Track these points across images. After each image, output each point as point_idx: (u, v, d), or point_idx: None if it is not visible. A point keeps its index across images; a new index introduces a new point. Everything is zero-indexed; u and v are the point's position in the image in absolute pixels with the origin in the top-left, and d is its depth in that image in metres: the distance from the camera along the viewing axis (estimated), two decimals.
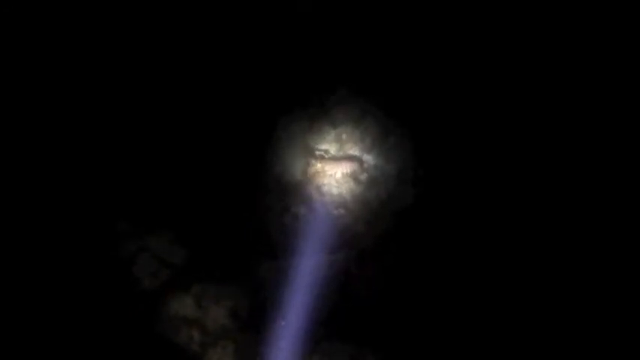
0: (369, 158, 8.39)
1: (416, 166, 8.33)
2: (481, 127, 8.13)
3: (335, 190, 8.46)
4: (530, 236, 8.02)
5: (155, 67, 8.44)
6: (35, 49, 8.08)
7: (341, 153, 8.42)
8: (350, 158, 8.35)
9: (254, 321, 8.46)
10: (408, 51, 8.10)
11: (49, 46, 8.05)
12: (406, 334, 8.13)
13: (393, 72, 8.11)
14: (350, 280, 8.54)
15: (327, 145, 8.43)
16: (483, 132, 8.14)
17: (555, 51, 7.85)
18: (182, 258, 8.73)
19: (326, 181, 8.45)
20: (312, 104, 8.25)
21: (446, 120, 8.19)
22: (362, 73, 8.13)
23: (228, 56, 8.38)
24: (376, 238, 8.47)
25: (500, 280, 8.00)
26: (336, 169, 8.37)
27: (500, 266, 8.06)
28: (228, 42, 8.39)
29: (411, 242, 8.32)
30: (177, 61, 8.46)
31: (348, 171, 8.32)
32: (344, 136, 8.33)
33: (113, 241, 8.53)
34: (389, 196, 8.36)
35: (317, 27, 8.12)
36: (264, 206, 8.54)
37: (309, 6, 7.99)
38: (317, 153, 8.45)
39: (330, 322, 8.21)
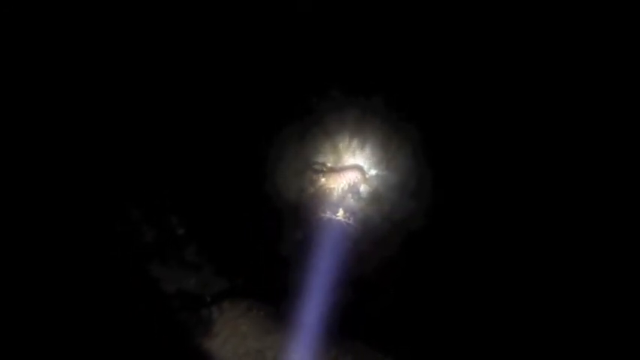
0: (369, 168, 7.52)
1: (420, 174, 7.49)
2: (492, 128, 7.27)
3: (335, 209, 7.62)
4: (544, 246, 7.25)
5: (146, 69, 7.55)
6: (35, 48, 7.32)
7: (339, 165, 7.55)
8: (350, 169, 7.48)
9: None
10: (405, 49, 7.21)
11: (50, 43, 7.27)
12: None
13: (389, 72, 7.23)
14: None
15: (324, 156, 7.51)
16: (494, 133, 7.29)
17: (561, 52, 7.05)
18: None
19: (326, 198, 7.60)
20: (303, 112, 7.34)
21: (451, 122, 7.26)
22: (354, 75, 7.24)
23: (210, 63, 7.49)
24: (381, 261, 7.66)
25: (518, 298, 7.30)
26: (336, 183, 7.50)
27: (518, 283, 7.32)
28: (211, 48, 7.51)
29: (419, 263, 7.54)
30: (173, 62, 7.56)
31: (349, 184, 7.46)
32: (341, 146, 7.45)
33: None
34: (392, 209, 7.52)
35: (305, 28, 7.27)
36: (258, 233, 7.69)
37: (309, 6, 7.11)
38: (314, 167, 7.55)
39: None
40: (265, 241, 7.78)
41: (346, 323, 7.65)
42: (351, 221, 7.54)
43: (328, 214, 7.57)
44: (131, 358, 7.35)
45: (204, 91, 7.39)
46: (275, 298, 7.82)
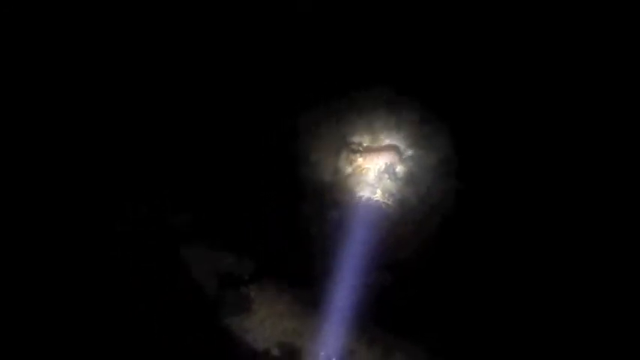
0: (406, 148, 7.47)
1: (457, 154, 7.40)
2: (527, 106, 7.12)
3: (372, 189, 7.62)
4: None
5: (173, 64, 7.78)
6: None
7: (376, 144, 7.54)
8: (387, 149, 7.46)
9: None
10: (440, 30, 7.16)
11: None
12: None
13: (422, 51, 7.18)
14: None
15: (360, 136, 7.53)
16: (530, 111, 7.13)
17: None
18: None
19: (363, 177, 7.61)
20: (337, 93, 7.38)
21: (488, 101, 7.17)
22: (387, 55, 7.23)
23: (239, 53, 7.61)
24: (417, 244, 7.59)
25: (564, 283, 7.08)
26: (373, 162, 7.50)
27: (563, 268, 7.12)
28: (240, 39, 7.68)
29: (455, 248, 7.43)
30: (194, 57, 7.75)
31: (385, 164, 7.44)
32: (377, 125, 7.43)
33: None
34: (429, 191, 7.46)
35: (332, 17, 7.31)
36: (295, 213, 7.80)
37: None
38: (350, 146, 7.57)
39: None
40: (301, 221, 7.87)
41: (380, 309, 7.66)
42: (389, 202, 7.53)
43: (365, 195, 7.58)
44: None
45: (239, 69, 7.56)
46: (311, 278, 7.89)
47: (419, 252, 7.57)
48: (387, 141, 7.45)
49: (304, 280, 7.98)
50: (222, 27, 7.48)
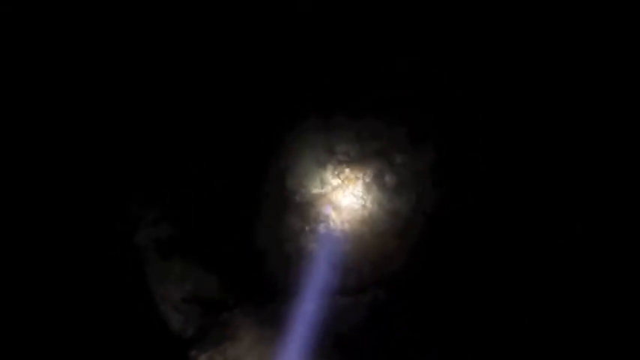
0: (396, 156, 7.07)
1: (450, 160, 7.08)
2: (525, 108, 6.91)
3: (359, 201, 7.21)
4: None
5: (156, 68, 7.31)
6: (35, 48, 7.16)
7: (363, 152, 7.11)
8: (375, 157, 7.06)
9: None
10: (429, 32, 6.89)
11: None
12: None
13: (410, 53, 6.90)
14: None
15: (347, 145, 7.13)
16: (528, 113, 6.91)
17: None
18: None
19: (350, 189, 7.20)
20: (323, 99, 6.96)
21: (482, 102, 6.94)
22: (375, 59, 6.92)
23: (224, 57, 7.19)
24: (407, 258, 7.19)
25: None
26: (360, 171, 7.11)
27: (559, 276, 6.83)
28: (226, 43, 7.24)
29: (451, 259, 7.07)
30: (177, 62, 7.28)
31: (374, 173, 7.05)
32: (364, 132, 7.07)
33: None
34: (420, 200, 7.09)
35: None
36: (277, 228, 7.31)
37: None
38: (336, 156, 7.14)
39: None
40: (286, 237, 7.40)
41: (374, 329, 7.23)
42: (379, 214, 7.13)
43: (353, 207, 7.17)
44: None
45: (217, 77, 7.11)
46: (298, 298, 7.39)
47: (412, 265, 7.20)
48: (375, 148, 7.08)
49: (291, 300, 7.49)
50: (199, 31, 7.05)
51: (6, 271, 6.89)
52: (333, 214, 7.24)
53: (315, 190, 7.27)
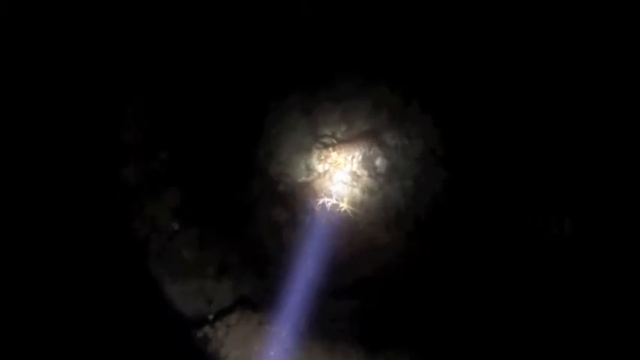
0: (387, 137, 6.46)
1: (445, 141, 6.43)
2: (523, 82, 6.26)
3: (348, 189, 6.56)
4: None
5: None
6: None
7: (352, 133, 6.50)
8: (365, 139, 6.42)
9: None
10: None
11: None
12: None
13: (400, 25, 6.29)
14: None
15: (333, 126, 6.49)
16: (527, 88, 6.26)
17: None
18: None
19: (338, 175, 6.55)
20: (307, 77, 6.36)
21: (478, 77, 6.30)
22: (363, 32, 6.31)
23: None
24: (402, 251, 6.53)
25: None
26: (349, 155, 6.46)
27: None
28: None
29: (450, 254, 6.39)
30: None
31: (363, 154, 6.40)
32: (352, 111, 6.43)
33: None
34: (416, 186, 6.44)
35: None
36: (260, 221, 6.66)
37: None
38: (322, 140, 6.52)
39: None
40: (274, 232, 6.75)
41: (368, 332, 6.56)
42: (370, 202, 6.47)
43: (341, 196, 6.52)
44: None
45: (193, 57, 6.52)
46: (288, 308, 6.71)
47: (407, 259, 6.53)
48: (364, 129, 6.44)
49: (278, 306, 6.80)
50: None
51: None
52: (320, 204, 6.60)
53: (301, 178, 6.64)
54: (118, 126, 6.64)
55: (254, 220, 6.74)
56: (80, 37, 6.32)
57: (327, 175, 6.55)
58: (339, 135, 6.43)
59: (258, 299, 6.83)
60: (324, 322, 6.64)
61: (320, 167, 6.54)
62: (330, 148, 6.43)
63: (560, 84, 6.12)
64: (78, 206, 6.40)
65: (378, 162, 6.42)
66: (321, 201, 6.56)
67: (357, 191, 6.53)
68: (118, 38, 6.41)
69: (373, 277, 6.67)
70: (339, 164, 6.47)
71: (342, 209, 6.54)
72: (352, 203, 6.53)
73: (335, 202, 6.55)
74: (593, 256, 6.00)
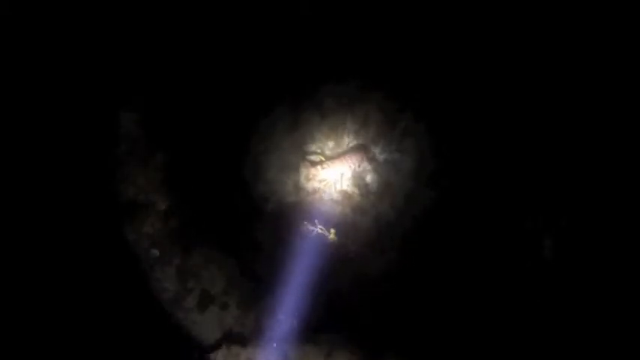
0: (376, 151, 6.21)
1: (436, 157, 6.24)
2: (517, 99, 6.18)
3: (339, 208, 6.26)
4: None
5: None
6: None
7: (340, 150, 6.26)
8: (354, 155, 6.15)
9: None
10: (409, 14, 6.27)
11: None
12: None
13: (392, 38, 6.22)
14: None
15: (321, 143, 6.24)
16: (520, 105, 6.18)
17: None
18: None
19: (327, 193, 6.27)
20: (293, 92, 6.16)
21: (470, 92, 6.21)
22: (352, 46, 6.24)
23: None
24: (394, 272, 6.17)
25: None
26: (338, 173, 6.20)
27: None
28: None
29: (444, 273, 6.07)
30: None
31: (354, 169, 6.14)
32: (340, 127, 6.21)
33: None
34: (408, 201, 6.17)
35: None
36: (245, 243, 6.29)
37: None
38: (310, 157, 6.27)
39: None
40: (260, 257, 6.35)
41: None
42: (362, 222, 6.16)
43: (332, 216, 6.20)
44: None
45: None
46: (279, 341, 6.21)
47: (399, 280, 6.13)
48: (352, 144, 6.22)
49: (268, 339, 6.29)
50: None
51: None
52: (309, 226, 6.26)
53: (289, 199, 6.34)
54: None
55: (239, 245, 6.36)
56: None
57: (317, 195, 6.26)
58: (327, 151, 6.21)
59: (246, 332, 6.32)
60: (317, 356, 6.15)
61: (309, 186, 6.27)
62: (319, 166, 6.18)
63: (555, 93, 6.04)
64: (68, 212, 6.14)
65: (369, 179, 6.17)
66: (310, 222, 6.24)
67: (348, 211, 6.23)
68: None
69: (366, 304, 6.25)
70: (328, 183, 6.20)
71: (333, 232, 6.22)
72: (343, 224, 6.22)
73: (325, 223, 6.23)
74: (590, 257, 5.76)
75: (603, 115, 5.91)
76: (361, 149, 6.14)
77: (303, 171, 6.25)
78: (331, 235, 6.10)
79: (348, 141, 6.19)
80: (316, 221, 6.14)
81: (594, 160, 5.98)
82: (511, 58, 6.11)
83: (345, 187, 6.22)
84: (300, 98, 6.10)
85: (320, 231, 6.12)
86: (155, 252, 6.36)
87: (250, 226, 6.26)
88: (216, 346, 6.26)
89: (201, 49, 6.22)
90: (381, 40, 6.09)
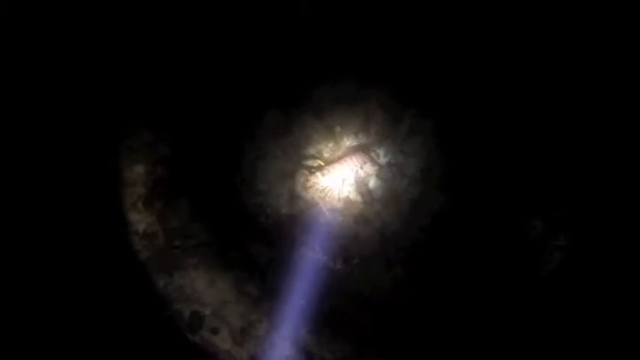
0: (379, 153, 5.69)
1: (446, 158, 5.68)
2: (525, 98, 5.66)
3: (339, 218, 5.67)
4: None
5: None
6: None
7: (339, 153, 5.73)
8: (355, 157, 5.59)
9: None
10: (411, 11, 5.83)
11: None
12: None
13: (394, 33, 5.76)
14: None
15: (318, 146, 5.66)
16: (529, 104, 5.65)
17: None
18: None
19: (326, 202, 5.69)
20: (287, 93, 5.65)
21: (476, 91, 5.70)
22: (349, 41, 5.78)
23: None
24: (401, 289, 5.56)
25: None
26: (338, 177, 5.63)
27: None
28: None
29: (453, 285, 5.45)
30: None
31: (355, 171, 5.57)
32: (338, 128, 5.73)
33: None
34: (412, 210, 5.57)
35: None
36: (237, 261, 5.69)
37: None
38: (307, 162, 5.73)
39: None
40: (254, 276, 5.75)
41: None
42: (365, 231, 5.55)
43: (333, 226, 5.61)
44: None
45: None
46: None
47: (409, 292, 5.49)
48: (352, 145, 5.67)
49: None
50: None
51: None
52: (308, 239, 5.67)
53: (285, 210, 5.77)
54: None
55: (230, 264, 5.76)
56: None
57: (316, 205, 5.69)
58: (325, 155, 5.66)
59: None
60: None
61: (306, 195, 5.70)
62: (317, 172, 5.63)
63: (560, 94, 5.52)
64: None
65: (372, 184, 5.59)
66: (309, 237, 5.66)
67: (350, 221, 5.64)
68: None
69: (370, 326, 5.59)
70: (328, 190, 5.64)
71: (335, 246, 5.63)
72: (346, 236, 5.62)
73: (325, 237, 5.65)
74: (593, 258, 5.17)
75: (624, 117, 5.40)
76: (362, 151, 5.58)
77: (300, 179, 5.69)
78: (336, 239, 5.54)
79: (348, 142, 5.64)
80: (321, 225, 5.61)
81: (616, 164, 5.43)
82: (520, 63, 5.62)
83: (346, 195, 5.64)
84: (293, 96, 5.60)
85: (326, 236, 5.56)
86: None
87: (244, 243, 5.68)
88: None
89: (187, 47, 5.80)
90: (381, 33, 5.62)
